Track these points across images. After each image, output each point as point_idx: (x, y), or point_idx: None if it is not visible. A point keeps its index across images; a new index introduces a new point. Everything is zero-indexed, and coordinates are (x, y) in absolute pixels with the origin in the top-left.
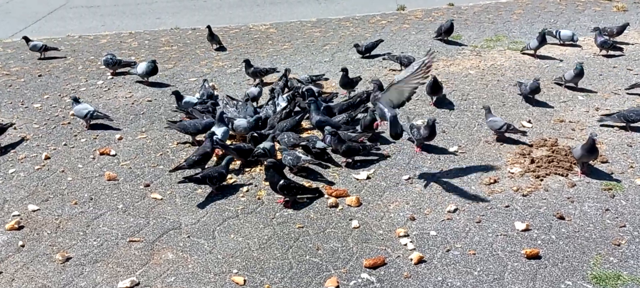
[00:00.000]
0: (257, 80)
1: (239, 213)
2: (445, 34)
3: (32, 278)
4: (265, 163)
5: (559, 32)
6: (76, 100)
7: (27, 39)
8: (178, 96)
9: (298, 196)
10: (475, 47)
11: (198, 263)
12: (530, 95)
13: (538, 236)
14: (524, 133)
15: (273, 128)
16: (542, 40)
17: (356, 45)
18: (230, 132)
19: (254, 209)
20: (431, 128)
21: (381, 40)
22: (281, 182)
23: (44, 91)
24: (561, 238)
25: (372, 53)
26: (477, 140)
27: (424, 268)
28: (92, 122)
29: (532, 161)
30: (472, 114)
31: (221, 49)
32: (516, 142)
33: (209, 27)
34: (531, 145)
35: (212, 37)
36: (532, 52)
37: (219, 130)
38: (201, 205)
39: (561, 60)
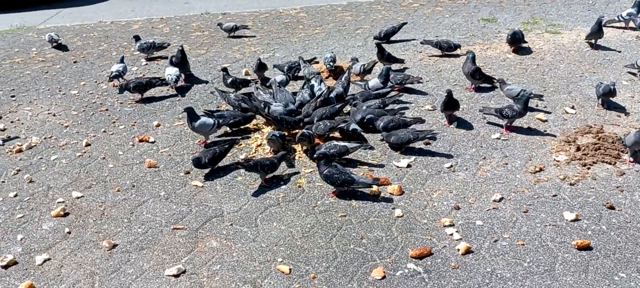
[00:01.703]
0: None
1: (280, 201)
2: (511, 43)
3: (80, 264)
4: (315, 154)
5: (620, 15)
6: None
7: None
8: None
9: (347, 188)
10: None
11: (242, 252)
12: (605, 98)
13: (588, 226)
14: (540, 97)
15: (308, 116)
16: (599, 30)
17: (375, 37)
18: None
19: (295, 197)
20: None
21: (404, 23)
22: (325, 171)
23: (80, 77)
24: (612, 228)
25: (396, 38)
26: (519, 126)
27: (471, 259)
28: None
29: (578, 149)
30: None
31: (235, 36)
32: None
33: (219, 24)
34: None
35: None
36: (593, 40)
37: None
38: (242, 193)
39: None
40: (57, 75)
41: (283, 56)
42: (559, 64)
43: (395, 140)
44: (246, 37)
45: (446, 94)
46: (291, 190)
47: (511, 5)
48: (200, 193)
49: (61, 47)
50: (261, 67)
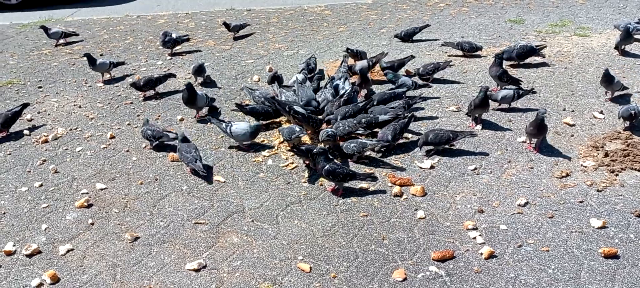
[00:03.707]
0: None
1: (301, 199)
2: (518, 58)
3: (102, 256)
4: (314, 151)
5: None
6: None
7: (45, 29)
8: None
9: (348, 181)
10: (540, 32)
11: (263, 248)
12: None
13: (615, 234)
14: (533, 92)
15: (331, 114)
16: (627, 36)
17: (396, 35)
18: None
19: (316, 195)
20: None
21: (427, 25)
22: (327, 167)
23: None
24: None
25: (421, 38)
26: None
27: (495, 264)
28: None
29: (606, 154)
30: (540, 102)
31: (237, 37)
32: (583, 128)
33: (224, 22)
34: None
35: (228, 28)
36: (622, 47)
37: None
38: (263, 190)
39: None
40: (84, 68)
41: (306, 53)
42: (588, 68)
43: (433, 137)
44: (269, 33)
45: (481, 91)
46: (313, 188)
47: (539, 7)
48: (222, 189)
49: (70, 44)
50: (273, 80)
